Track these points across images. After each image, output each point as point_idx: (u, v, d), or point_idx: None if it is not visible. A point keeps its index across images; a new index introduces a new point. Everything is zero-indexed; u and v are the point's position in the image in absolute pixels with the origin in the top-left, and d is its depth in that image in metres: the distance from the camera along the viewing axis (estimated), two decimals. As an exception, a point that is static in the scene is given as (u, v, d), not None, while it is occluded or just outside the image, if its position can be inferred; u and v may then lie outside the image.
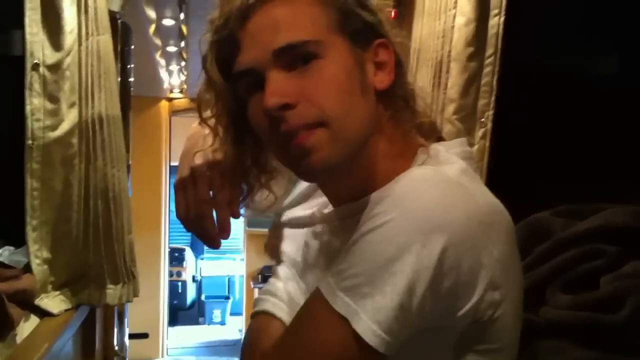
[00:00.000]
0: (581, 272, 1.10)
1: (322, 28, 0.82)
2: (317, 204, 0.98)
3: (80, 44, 1.83)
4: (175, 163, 2.71)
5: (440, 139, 0.93)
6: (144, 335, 4.60)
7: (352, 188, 0.88)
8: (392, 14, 1.94)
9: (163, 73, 5.03)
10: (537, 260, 1.18)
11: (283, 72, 0.81)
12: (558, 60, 1.79)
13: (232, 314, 7.56)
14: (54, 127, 1.78)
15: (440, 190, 0.77)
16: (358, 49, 0.85)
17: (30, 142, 1.74)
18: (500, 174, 1.56)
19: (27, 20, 1.73)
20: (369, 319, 0.73)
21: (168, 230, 6.48)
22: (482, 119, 1.56)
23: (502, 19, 1.52)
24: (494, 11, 1.54)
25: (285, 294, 0.94)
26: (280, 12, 0.82)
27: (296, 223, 1.00)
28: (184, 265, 7.75)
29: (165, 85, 5.52)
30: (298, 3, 0.83)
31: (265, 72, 0.81)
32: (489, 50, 1.55)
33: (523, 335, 1.07)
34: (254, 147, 0.92)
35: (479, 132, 1.56)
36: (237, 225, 5.37)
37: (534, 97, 1.72)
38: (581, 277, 1.09)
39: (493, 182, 1.53)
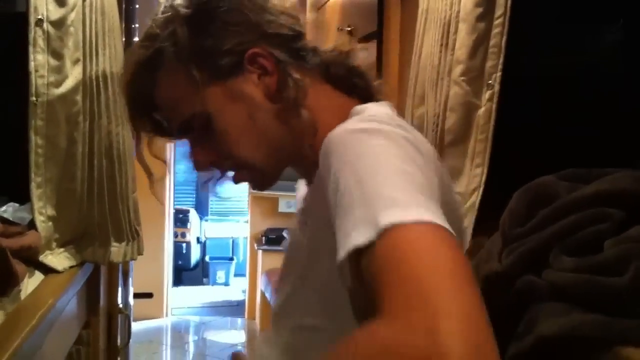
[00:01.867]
0: (585, 235, 1.09)
1: (193, 97, 0.90)
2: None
3: (84, 0, 1.81)
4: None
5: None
6: (149, 295, 4.64)
7: (309, 167, 0.92)
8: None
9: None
10: (541, 223, 1.18)
11: (195, 142, 0.95)
12: (568, 25, 1.76)
13: (235, 275, 7.61)
14: (57, 84, 1.77)
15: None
16: (233, 79, 0.91)
17: (34, 98, 1.73)
18: (506, 136, 1.55)
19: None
20: (426, 210, 0.65)
21: (173, 191, 6.49)
22: (490, 81, 1.54)
23: (512, -21, 1.50)
24: (504, -29, 1.51)
25: None
26: (160, 101, 0.95)
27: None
28: (189, 227, 7.78)
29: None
30: (165, 82, 0.93)
31: (186, 140, 0.96)
32: (498, 11, 1.53)
33: (526, 298, 1.07)
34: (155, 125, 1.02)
35: (486, 94, 1.54)
36: (242, 188, 5.37)
37: (542, 59, 1.70)
38: (585, 241, 1.08)
39: (499, 144, 1.53)
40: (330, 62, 1.01)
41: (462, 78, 1.60)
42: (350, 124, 0.81)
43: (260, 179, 0.97)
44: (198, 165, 0.95)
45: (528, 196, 1.24)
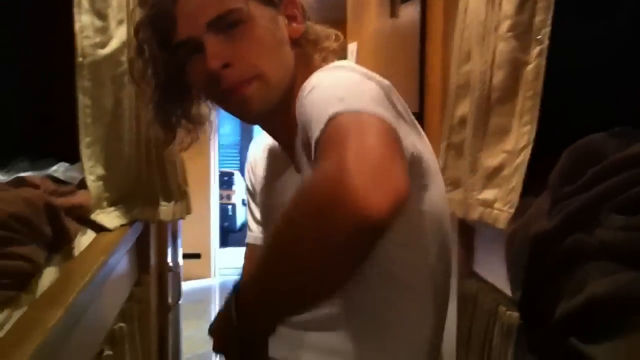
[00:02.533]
0: (637, 193, 1.07)
1: None
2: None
3: (127, -39, 1.81)
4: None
5: None
6: (196, 256, 4.72)
7: (288, 123, 1.04)
8: None
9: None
10: (591, 181, 1.16)
11: (217, 37, 0.99)
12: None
13: (279, 235, 7.68)
14: (103, 45, 1.78)
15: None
16: (272, 9, 1.05)
17: (80, 59, 1.75)
18: (555, 93, 1.52)
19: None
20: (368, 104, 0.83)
21: (217, 154, 6.54)
22: (539, 37, 1.50)
23: None
24: None
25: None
26: None
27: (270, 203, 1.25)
28: (233, 189, 7.84)
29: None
30: None
31: (202, 40, 0.99)
32: (548, -36, 1.48)
33: (576, 257, 1.06)
34: (184, 102, 1.14)
35: (535, 50, 1.50)
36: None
37: (593, 15, 1.65)
38: (636, 199, 1.06)
39: (547, 102, 1.49)
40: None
41: (509, 34, 1.56)
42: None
43: (264, 96, 1.03)
44: (214, 59, 0.98)
45: (577, 154, 1.22)
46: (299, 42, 1.09)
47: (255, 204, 1.35)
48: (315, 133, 0.82)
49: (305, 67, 1.08)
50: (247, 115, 1.07)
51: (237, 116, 1.10)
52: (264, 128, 1.20)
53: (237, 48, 1.00)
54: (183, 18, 1.01)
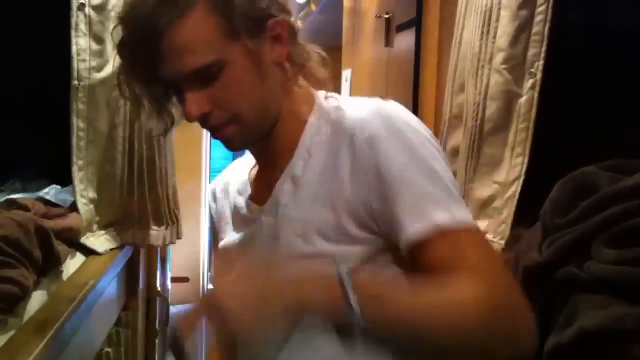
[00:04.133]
0: (627, 227, 1.08)
1: (217, 44, 0.95)
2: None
3: (125, -15, 1.82)
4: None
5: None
6: (185, 279, 4.69)
7: (281, 143, 1.06)
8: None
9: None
10: (583, 214, 1.16)
11: (196, 89, 0.96)
12: (613, 11, 1.73)
13: (270, 260, 7.64)
14: (99, 68, 1.79)
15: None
16: (253, 40, 0.98)
17: (76, 82, 1.75)
18: (547, 126, 1.53)
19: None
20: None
21: (208, 177, 6.53)
22: (532, 69, 1.51)
23: (557, -35, 1.47)
24: (548, -43, 1.48)
25: None
26: (181, 39, 0.94)
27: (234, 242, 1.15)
28: (224, 212, 7.80)
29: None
30: (192, 26, 0.94)
31: (183, 87, 0.97)
32: (541, -2, 1.50)
33: (566, 289, 1.06)
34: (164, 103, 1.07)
35: (528, 83, 1.51)
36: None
37: (586, 49, 1.66)
38: (627, 233, 1.07)
39: (541, 134, 1.50)
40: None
41: (503, 66, 1.57)
42: (369, 110, 1.00)
43: (244, 136, 1.03)
44: (191, 113, 0.98)
45: (570, 187, 1.23)
46: (282, 66, 1.05)
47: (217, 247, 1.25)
48: (410, 229, 0.91)
49: (288, 93, 1.06)
50: (230, 149, 1.08)
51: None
52: (251, 152, 1.17)
53: (215, 96, 0.98)
54: (165, 59, 0.96)
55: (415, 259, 0.92)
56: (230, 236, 1.16)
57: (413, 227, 0.91)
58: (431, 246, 0.91)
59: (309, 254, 0.98)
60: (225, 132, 1.01)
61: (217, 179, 1.28)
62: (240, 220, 1.14)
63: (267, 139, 1.06)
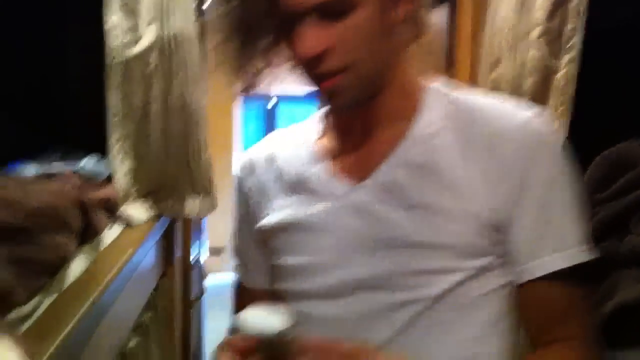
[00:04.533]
0: (668, 201, 1.07)
1: None
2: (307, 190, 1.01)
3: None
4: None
5: None
6: (220, 250, 4.70)
7: (385, 116, 0.97)
8: None
9: None
10: (622, 189, 1.15)
11: (315, 24, 0.87)
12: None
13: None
14: (133, 44, 1.80)
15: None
16: None
17: (111, 58, 1.77)
18: (585, 102, 1.51)
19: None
20: None
21: (243, 150, 6.56)
22: (569, 44, 1.50)
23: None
24: None
25: None
26: None
27: (301, 220, 1.00)
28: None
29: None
30: None
31: (302, 21, 0.87)
32: (579, -29, 1.48)
33: (606, 264, 1.05)
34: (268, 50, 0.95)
35: (565, 58, 1.50)
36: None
37: (626, 21, 1.63)
38: (668, 207, 1.06)
39: (578, 110, 1.48)
40: None
41: (540, 40, 1.55)
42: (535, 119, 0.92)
43: (353, 91, 0.91)
44: (305, 51, 0.87)
45: (609, 162, 1.22)
46: (400, 27, 0.92)
47: (251, 229, 1.10)
48: (549, 260, 0.89)
49: (400, 61, 0.96)
50: (333, 104, 0.96)
51: (323, 101, 0.99)
52: (337, 118, 1.03)
53: (336, 37, 0.87)
54: None
55: (528, 292, 0.90)
56: (283, 211, 1.02)
57: (555, 259, 0.88)
58: (554, 288, 0.89)
59: (419, 243, 0.89)
60: (334, 81, 0.89)
61: (252, 150, 1.14)
62: (308, 191, 1.00)
63: (370, 105, 0.96)
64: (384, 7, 0.88)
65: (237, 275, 1.17)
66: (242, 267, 1.16)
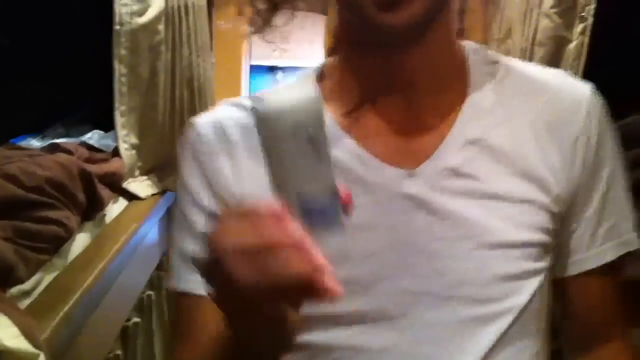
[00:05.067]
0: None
1: None
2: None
3: None
4: (256, 62, 2.63)
5: None
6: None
7: (434, 62, 0.72)
8: None
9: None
10: (633, 163, 1.13)
11: None
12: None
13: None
14: (140, 13, 1.78)
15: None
16: None
17: (117, 27, 1.75)
18: (597, 73, 1.48)
19: None
20: None
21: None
22: (582, 13, 1.46)
23: None
24: None
25: None
26: None
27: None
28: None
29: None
30: None
31: None
32: (595, -62, 1.44)
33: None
34: None
35: (578, 28, 1.47)
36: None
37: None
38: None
39: (591, 80, 1.45)
40: None
41: (553, 10, 1.52)
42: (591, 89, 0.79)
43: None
44: None
45: (623, 134, 1.19)
46: None
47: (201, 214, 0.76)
48: (609, 250, 0.78)
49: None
50: (396, 20, 0.63)
51: (371, 27, 0.65)
52: (366, 73, 0.74)
53: None
54: None
55: (576, 284, 0.78)
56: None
57: (611, 247, 0.77)
58: (603, 281, 0.79)
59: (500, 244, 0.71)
60: None
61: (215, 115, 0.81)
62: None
63: (414, 51, 0.70)
64: None
65: (187, 284, 0.76)
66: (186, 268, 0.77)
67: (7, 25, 2.03)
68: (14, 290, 0.98)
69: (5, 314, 0.81)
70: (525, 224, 0.72)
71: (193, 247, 0.75)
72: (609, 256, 0.77)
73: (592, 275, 0.77)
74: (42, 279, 1.06)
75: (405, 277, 0.71)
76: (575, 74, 1.45)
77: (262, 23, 0.81)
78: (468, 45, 0.78)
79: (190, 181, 0.77)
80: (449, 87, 0.74)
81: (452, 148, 0.72)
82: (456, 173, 0.71)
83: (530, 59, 1.58)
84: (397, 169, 0.72)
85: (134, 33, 1.76)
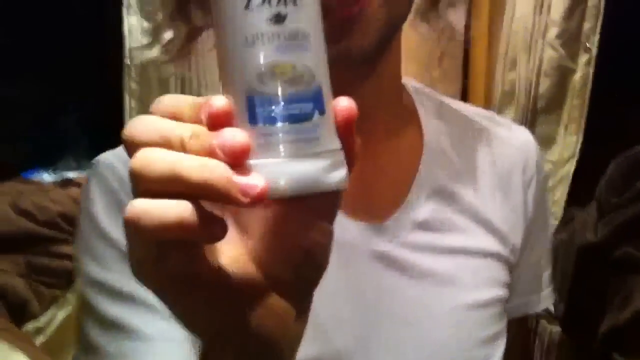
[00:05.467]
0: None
1: None
2: None
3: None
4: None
5: None
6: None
7: (385, 98, 0.66)
8: None
9: None
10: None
11: None
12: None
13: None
14: (150, 47, 1.81)
15: None
16: None
17: (127, 61, 1.77)
18: (602, 103, 1.49)
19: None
20: None
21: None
22: (587, 44, 1.48)
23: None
24: None
25: None
26: None
27: None
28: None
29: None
30: None
31: None
32: (598, -31, 1.46)
33: (622, 270, 1.04)
34: None
35: (583, 59, 1.49)
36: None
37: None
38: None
39: (595, 112, 1.47)
40: None
41: (557, 41, 1.54)
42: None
43: (379, 21, 0.56)
44: None
45: (626, 165, 1.20)
46: None
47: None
48: (546, 297, 0.80)
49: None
50: (352, 45, 0.55)
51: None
52: None
53: None
54: None
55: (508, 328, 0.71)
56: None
57: (547, 295, 0.80)
58: (522, 324, 0.81)
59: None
60: (361, 4, 0.55)
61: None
62: None
63: (365, 85, 0.62)
64: None
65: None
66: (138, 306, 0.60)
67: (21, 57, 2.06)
68: (29, 326, 0.99)
69: (23, 351, 0.82)
70: (493, 280, 0.68)
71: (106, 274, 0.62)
72: (550, 300, 0.79)
73: (516, 320, 0.75)
74: (56, 315, 1.07)
75: (381, 350, 0.63)
76: (581, 104, 1.47)
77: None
78: (407, 81, 0.73)
79: (100, 216, 0.64)
80: (403, 129, 0.70)
81: (419, 199, 0.67)
82: (424, 227, 0.66)
83: (536, 89, 1.59)
84: (362, 223, 0.64)
85: (143, 67, 1.79)
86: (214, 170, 0.33)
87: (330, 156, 0.36)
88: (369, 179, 0.65)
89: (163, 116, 0.38)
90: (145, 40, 1.80)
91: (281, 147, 0.35)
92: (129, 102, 1.77)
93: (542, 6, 1.61)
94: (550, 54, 1.55)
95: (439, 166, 0.69)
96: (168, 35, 1.82)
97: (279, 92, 0.35)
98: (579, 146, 1.48)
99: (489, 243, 0.69)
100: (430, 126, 0.71)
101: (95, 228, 0.64)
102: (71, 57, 2.21)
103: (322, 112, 0.36)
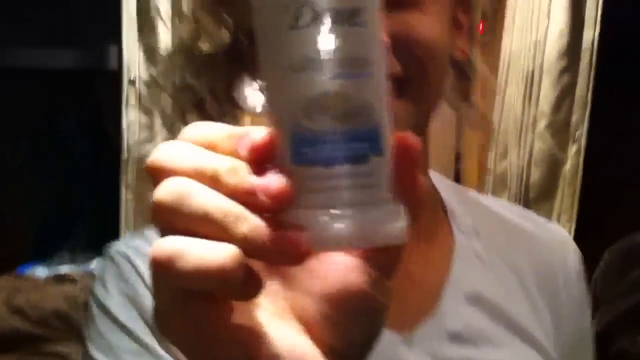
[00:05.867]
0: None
1: None
2: None
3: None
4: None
5: None
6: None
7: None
8: (480, 28, 1.90)
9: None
10: (635, 284, 1.14)
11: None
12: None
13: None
14: (148, 141, 1.83)
15: None
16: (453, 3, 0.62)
17: (125, 155, 1.79)
18: (593, 194, 1.51)
19: (124, 37, 1.79)
20: None
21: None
22: (576, 135, 1.51)
23: (597, 31, 1.48)
24: (589, 23, 1.49)
25: None
26: None
27: None
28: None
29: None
30: None
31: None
32: (583, 63, 1.50)
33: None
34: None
35: (572, 149, 1.51)
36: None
37: (631, 112, 1.65)
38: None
39: (586, 202, 1.48)
40: None
41: (546, 132, 1.57)
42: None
43: (413, 113, 0.56)
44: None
45: (621, 255, 1.20)
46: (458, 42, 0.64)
47: None
48: None
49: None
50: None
51: None
52: None
53: (403, 25, 0.56)
54: None
55: None
56: None
57: None
58: None
59: None
60: (400, 88, 0.54)
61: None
62: None
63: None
64: (449, 24, 0.61)
65: None
66: None
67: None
68: None
69: None
70: None
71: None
72: None
73: None
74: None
75: None
76: (574, 194, 1.48)
77: None
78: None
79: (117, 307, 0.63)
80: (434, 227, 0.66)
81: (451, 307, 0.62)
82: (457, 338, 0.61)
83: (527, 179, 1.61)
84: (391, 332, 0.58)
85: (140, 161, 1.80)
86: (253, 223, 0.29)
87: (386, 205, 0.32)
88: (398, 283, 0.57)
89: (195, 144, 0.33)
90: (143, 135, 1.83)
91: (330, 194, 0.30)
92: (125, 197, 1.78)
93: (530, 98, 1.65)
94: (540, 145, 1.57)
95: (471, 270, 0.64)
96: (166, 130, 1.85)
97: (329, 129, 0.30)
98: (572, 235, 1.48)
99: (525, 355, 0.63)
100: (461, 224, 0.67)
101: (111, 320, 0.63)
102: (66, 152, 2.24)
103: (379, 153, 0.31)
